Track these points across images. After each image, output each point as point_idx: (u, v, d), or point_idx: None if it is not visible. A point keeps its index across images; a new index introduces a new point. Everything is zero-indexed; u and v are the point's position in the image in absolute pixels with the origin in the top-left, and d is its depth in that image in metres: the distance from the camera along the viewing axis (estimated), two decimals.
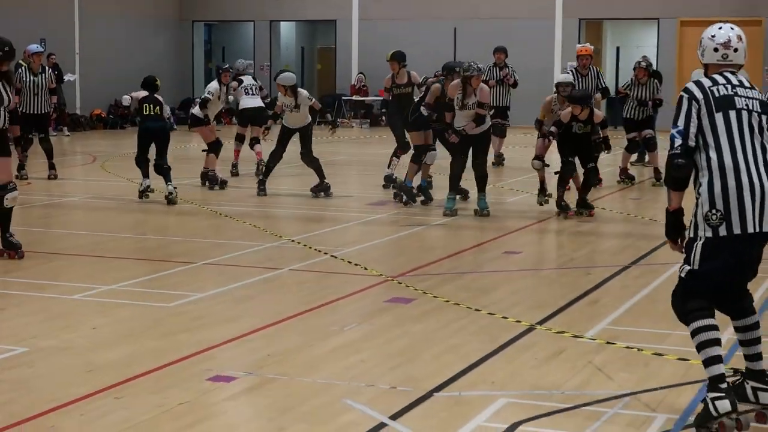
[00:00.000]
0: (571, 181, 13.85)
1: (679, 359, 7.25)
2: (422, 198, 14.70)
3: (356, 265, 10.50)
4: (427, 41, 31.77)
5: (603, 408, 6.24)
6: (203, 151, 16.65)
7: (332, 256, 10.98)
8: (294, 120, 15.70)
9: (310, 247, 11.48)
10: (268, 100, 17.52)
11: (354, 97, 32.44)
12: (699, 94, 5.70)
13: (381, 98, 31.15)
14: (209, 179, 16.54)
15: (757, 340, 5.89)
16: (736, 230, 5.55)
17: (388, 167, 16.43)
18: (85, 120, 30.34)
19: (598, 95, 17.13)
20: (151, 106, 15.63)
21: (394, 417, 6.06)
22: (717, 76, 5.78)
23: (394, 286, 9.64)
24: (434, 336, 7.90)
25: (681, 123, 5.70)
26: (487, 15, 31.44)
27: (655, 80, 17.95)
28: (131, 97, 16.76)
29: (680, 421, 6.02)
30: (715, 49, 5.80)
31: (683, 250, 5.85)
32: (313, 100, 16.17)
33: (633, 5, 30.90)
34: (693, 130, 5.68)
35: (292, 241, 11.91)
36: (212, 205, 14.79)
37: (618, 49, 32.79)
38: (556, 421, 6.04)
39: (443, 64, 15.29)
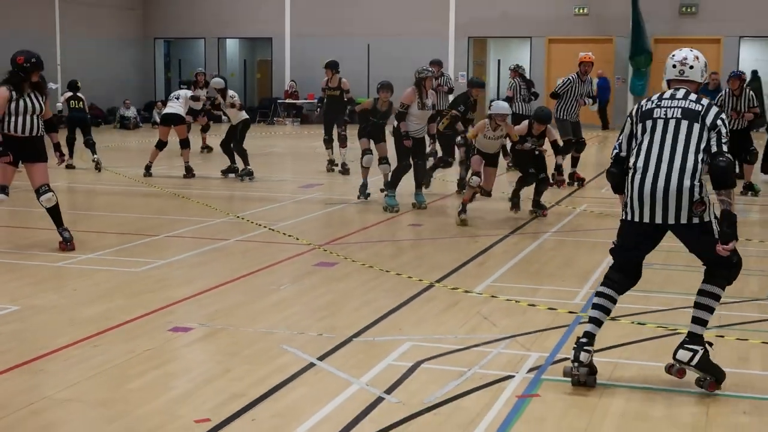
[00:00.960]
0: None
1: (549, 309, 7.33)
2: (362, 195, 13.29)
3: (290, 236, 10.48)
4: (346, 55, 31.71)
5: (489, 348, 6.29)
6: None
7: (270, 229, 10.94)
8: (232, 116, 16.05)
9: (252, 222, 11.43)
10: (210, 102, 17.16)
11: (287, 101, 32.44)
12: (633, 110, 5.65)
13: (309, 101, 31.22)
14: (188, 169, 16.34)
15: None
16: (631, 217, 5.54)
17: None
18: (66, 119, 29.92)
19: (590, 101, 15.90)
20: (76, 101, 17.84)
21: (321, 358, 6.06)
22: (656, 94, 5.66)
23: (320, 253, 9.63)
24: (353, 293, 7.90)
25: (620, 136, 5.67)
26: (394, 34, 31.47)
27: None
28: (62, 102, 18.57)
29: (549, 358, 6.09)
30: (674, 66, 5.65)
31: None
32: (235, 97, 16.22)
33: (511, 26, 31.09)
34: (625, 141, 5.64)
35: (238, 217, 11.86)
36: (172, 189, 14.67)
37: (499, 61, 32.99)
38: (451, 359, 6.08)
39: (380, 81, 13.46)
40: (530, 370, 5.84)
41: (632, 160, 5.56)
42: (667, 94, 5.60)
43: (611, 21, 30.19)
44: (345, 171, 16.75)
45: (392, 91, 12.70)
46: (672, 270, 8.90)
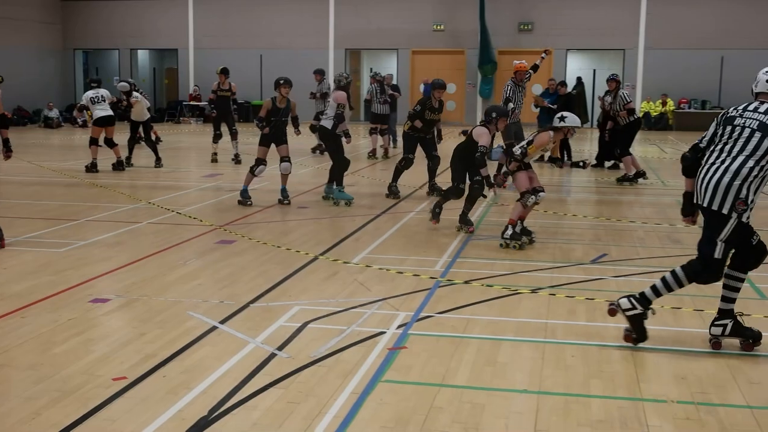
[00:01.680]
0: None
1: (414, 275, 7.40)
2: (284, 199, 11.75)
3: (194, 218, 10.30)
4: (242, 64, 31.47)
5: (364, 309, 6.32)
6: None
7: (177, 212, 10.73)
8: (136, 115, 16.14)
9: (162, 207, 11.18)
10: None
11: (191, 103, 31.88)
12: (720, 114, 5.47)
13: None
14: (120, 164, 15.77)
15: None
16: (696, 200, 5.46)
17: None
18: None
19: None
20: None
21: (222, 322, 5.98)
22: (743, 104, 5.46)
23: (221, 232, 9.49)
24: (249, 265, 7.82)
25: (706, 132, 5.51)
26: (283, 45, 31.21)
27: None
28: None
29: (414, 316, 6.15)
30: (767, 81, 5.42)
31: (694, 223, 5.77)
32: (138, 98, 16.27)
33: (380, 39, 31.18)
34: (707, 137, 5.48)
35: (149, 203, 11.58)
36: (91, 179, 14.25)
37: (371, 69, 33.03)
38: (333, 319, 6.08)
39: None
40: (399, 327, 5.88)
41: (707, 156, 5.44)
42: (752, 107, 5.39)
43: (463, 35, 30.58)
44: (238, 161, 16.86)
45: (291, 86, 11.41)
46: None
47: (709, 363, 5.23)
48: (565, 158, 17.03)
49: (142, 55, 34.53)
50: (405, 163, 12.34)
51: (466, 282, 7.19)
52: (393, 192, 12.30)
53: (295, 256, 8.23)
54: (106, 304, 6.48)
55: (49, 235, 9.27)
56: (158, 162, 16.29)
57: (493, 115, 9.40)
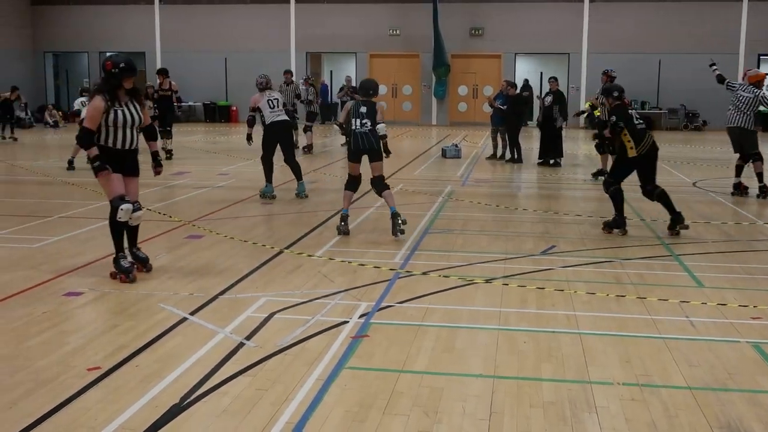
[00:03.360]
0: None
1: (374, 267, 7.40)
2: None
3: (164, 214, 10.19)
4: (208, 67, 31.23)
5: (328, 300, 6.30)
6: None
7: (147, 209, 10.59)
8: None
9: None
10: None
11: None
12: None
13: (176, 104, 30.38)
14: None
15: None
16: None
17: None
18: None
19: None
20: None
21: (192, 313, 5.93)
22: None
23: (190, 228, 9.40)
24: (217, 259, 7.75)
25: None
26: (247, 49, 30.99)
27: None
28: None
29: (375, 305, 6.14)
30: None
31: None
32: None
33: (339, 42, 31.11)
34: None
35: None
36: (64, 177, 14.02)
37: (331, 72, 32.97)
38: (298, 310, 6.05)
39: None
40: (361, 316, 5.88)
41: None
42: None
43: (418, 40, 30.63)
44: (169, 157, 17.00)
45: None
46: (468, 234, 9.14)
47: (651, 347, 5.30)
48: (514, 155, 17.20)
49: None
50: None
51: (424, 273, 7.21)
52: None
53: (261, 250, 8.18)
54: (80, 297, 6.38)
55: (23, 231, 9.10)
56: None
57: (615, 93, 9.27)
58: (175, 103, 17.96)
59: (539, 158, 16.86)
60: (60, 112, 30.60)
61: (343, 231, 8.97)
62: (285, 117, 11.70)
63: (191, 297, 6.38)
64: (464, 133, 26.69)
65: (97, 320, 5.83)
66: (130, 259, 7.07)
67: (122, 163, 6.90)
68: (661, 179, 9.59)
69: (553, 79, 16.75)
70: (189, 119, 31.59)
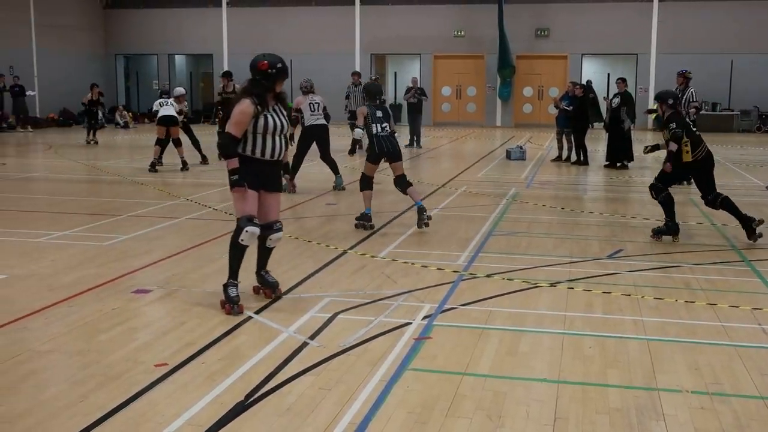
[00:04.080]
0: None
1: (438, 269, 7.37)
2: None
3: (230, 214, 10.32)
4: None
5: (391, 301, 6.31)
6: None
7: (214, 209, 10.77)
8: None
9: (200, 204, 11.23)
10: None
11: None
12: None
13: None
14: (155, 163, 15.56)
15: None
16: None
17: None
18: (43, 121, 29.27)
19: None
20: None
21: (257, 312, 5.99)
22: None
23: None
24: (283, 259, 7.81)
25: None
26: (313, 51, 31.22)
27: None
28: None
29: (439, 307, 6.12)
30: None
31: None
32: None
33: (404, 44, 31.16)
34: None
35: (188, 200, 11.64)
36: (132, 177, 14.34)
37: (395, 74, 33.04)
38: (362, 311, 6.07)
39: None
40: (424, 318, 5.86)
41: None
42: None
43: (483, 41, 30.47)
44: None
45: None
46: (533, 237, 9.05)
47: (722, 355, 5.17)
48: (580, 157, 16.98)
49: (179, 60, 34.74)
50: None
51: (488, 276, 7.16)
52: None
53: (325, 250, 8.23)
54: (148, 294, 6.51)
55: (94, 230, 9.33)
56: (204, 160, 16.56)
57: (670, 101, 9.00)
58: None
59: (606, 161, 16.61)
60: (130, 113, 31.23)
61: (369, 227, 9.40)
62: (323, 121, 12.53)
63: (257, 296, 6.45)
64: (529, 135, 26.45)
65: (165, 317, 5.94)
66: (246, 286, 6.47)
67: (265, 176, 6.09)
68: (731, 182, 9.38)
69: (621, 80, 16.50)
70: None
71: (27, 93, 27.02)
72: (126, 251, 8.17)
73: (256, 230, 6.05)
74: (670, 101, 8.93)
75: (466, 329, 5.61)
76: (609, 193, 13.09)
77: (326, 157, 12.67)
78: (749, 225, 8.77)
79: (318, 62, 30.46)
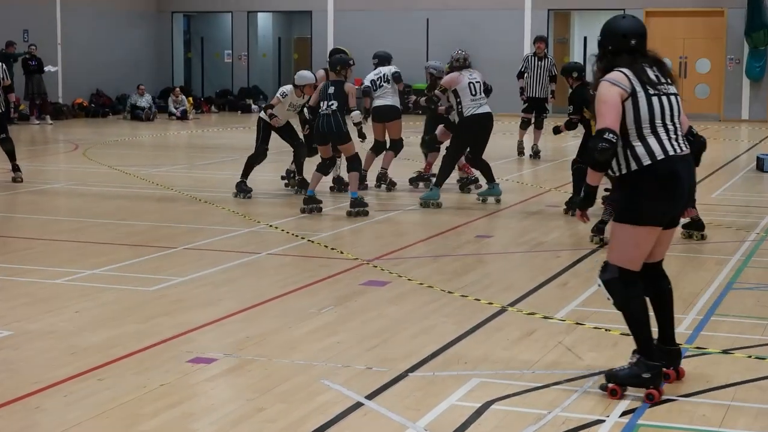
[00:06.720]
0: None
1: None
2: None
3: (332, 249, 10.47)
4: (400, 32, 31.71)
5: (572, 387, 6.24)
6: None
7: (309, 240, 10.95)
8: (286, 117, 14.24)
9: (287, 232, 11.43)
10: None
11: None
12: None
13: (356, 87, 31.13)
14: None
15: None
16: None
17: None
18: (68, 109, 29.72)
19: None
20: None
21: (370, 397, 6.05)
22: None
23: (369, 269, 9.62)
24: (408, 318, 7.87)
25: None
26: (458, 6, 31.37)
27: None
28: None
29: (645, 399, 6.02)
30: None
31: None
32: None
33: None
34: None
35: (270, 225, 11.86)
36: (192, 192, 14.68)
37: (585, 38, 32.80)
38: (528, 399, 6.03)
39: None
40: (623, 414, 5.78)
41: None
42: None
43: None
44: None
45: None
46: None
47: None
48: None
49: (264, 21, 35.41)
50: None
51: (725, 351, 6.99)
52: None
53: (474, 305, 8.24)
54: (211, 365, 6.66)
55: (134, 268, 9.64)
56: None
57: None
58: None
59: None
60: (190, 99, 31.33)
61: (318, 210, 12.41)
62: (488, 109, 12.79)
63: (368, 372, 6.51)
64: None
65: (235, 400, 6.06)
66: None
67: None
68: None
69: None
70: None
71: (46, 69, 27.50)
72: (180, 301, 8.39)
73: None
74: None
75: None
76: None
77: (479, 157, 13.25)
78: None
79: (466, 23, 30.53)
